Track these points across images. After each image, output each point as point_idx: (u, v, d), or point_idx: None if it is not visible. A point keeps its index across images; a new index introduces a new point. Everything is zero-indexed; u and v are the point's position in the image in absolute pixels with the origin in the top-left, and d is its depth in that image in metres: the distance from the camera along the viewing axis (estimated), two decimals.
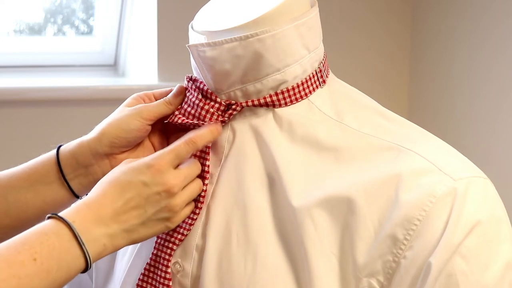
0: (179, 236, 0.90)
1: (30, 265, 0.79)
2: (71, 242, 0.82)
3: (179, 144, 0.89)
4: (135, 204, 0.86)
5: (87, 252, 0.83)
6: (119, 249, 0.87)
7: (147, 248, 0.94)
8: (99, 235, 0.84)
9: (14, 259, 0.79)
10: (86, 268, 0.84)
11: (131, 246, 0.97)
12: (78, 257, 0.83)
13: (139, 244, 0.95)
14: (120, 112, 0.96)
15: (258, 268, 0.86)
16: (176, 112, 0.94)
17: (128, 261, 0.96)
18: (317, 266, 0.84)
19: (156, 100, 0.98)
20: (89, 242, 0.83)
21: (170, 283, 0.90)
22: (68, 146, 0.96)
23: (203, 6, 0.96)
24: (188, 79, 0.94)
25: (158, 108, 0.94)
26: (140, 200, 0.86)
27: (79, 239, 0.82)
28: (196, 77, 0.94)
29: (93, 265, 1.02)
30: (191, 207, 0.90)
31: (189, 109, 0.93)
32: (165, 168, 0.87)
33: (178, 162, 0.89)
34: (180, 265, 0.91)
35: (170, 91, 0.98)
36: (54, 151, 0.96)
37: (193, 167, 0.90)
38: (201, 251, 0.90)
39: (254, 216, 0.88)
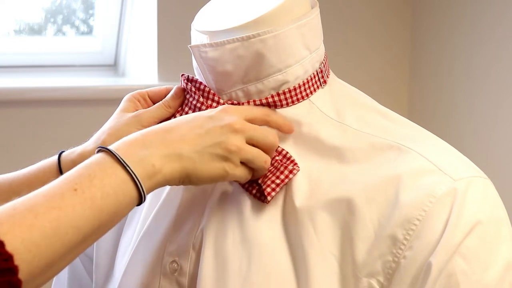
0: None
1: (71, 195, 0.76)
2: (113, 166, 0.78)
3: (257, 108, 0.88)
4: (194, 133, 0.83)
5: (133, 173, 0.78)
6: (175, 177, 0.82)
7: (144, 248, 0.94)
8: (146, 155, 0.80)
9: (53, 192, 0.76)
10: (140, 196, 0.79)
11: (130, 246, 0.97)
12: (125, 181, 0.78)
13: (137, 243, 0.95)
14: (118, 119, 0.95)
15: (253, 267, 0.86)
16: (178, 115, 0.94)
17: (127, 260, 0.96)
18: (315, 266, 0.84)
19: (151, 99, 0.98)
20: (135, 163, 0.79)
21: None
22: (69, 155, 0.95)
23: (203, 6, 0.96)
24: (185, 79, 0.94)
25: (157, 113, 0.94)
26: (201, 131, 0.83)
27: (120, 160, 0.78)
28: (193, 77, 0.93)
29: (94, 264, 1.03)
30: (249, 171, 0.86)
31: (190, 112, 0.93)
32: (234, 112, 0.85)
33: (250, 116, 0.87)
34: (177, 264, 0.91)
35: (165, 90, 0.97)
36: (55, 158, 0.96)
37: (267, 133, 0.87)
38: (198, 249, 0.90)
39: (253, 215, 0.88)
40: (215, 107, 0.91)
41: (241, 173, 0.86)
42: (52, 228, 0.73)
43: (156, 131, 0.83)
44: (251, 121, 0.87)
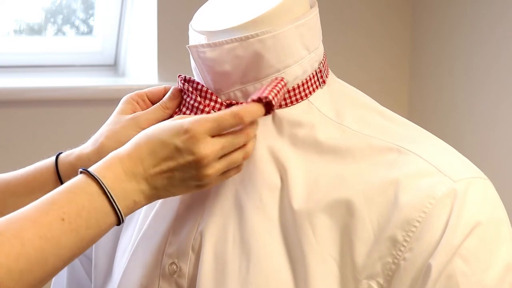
0: None
1: (58, 225, 0.79)
2: (100, 199, 0.82)
3: (224, 115, 0.85)
4: (165, 167, 0.84)
5: (118, 209, 0.82)
6: (152, 201, 0.86)
7: (143, 248, 0.94)
8: (130, 191, 0.83)
9: (42, 220, 0.78)
10: (119, 223, 0.84)
11: (129, 246, 0.97)
12: (108, 214, 0.82)
13: (136, 244, 0.95)
14: (116, 121, 0.94)
15: (252, 269, 0.86)
16: (175, 116, 0.94)
17: (126, 261, 0.96)
18: (314, 269, 0.84)
19: (150, 99, 0.97)
20: (120, 198, 0.82)
21: None
22: (67, 157, 0.95)
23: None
24: (181, 80, 0.94)
25: (155, 114, 0.94)
26: (171, 164, 0.84)
27: (109, 196, 0.82)
28: (190, 77, 0.93)
29: (93, 265, 1.03)
30: (232, 170, 0.88)
31: (188, 112, 0.93)
32: (201, 136, 0.84)
33: (218, 132, 0.85)
34: (177, 266, 0.91)
35: (163, 90, 0.97)
36: (53, 159, 0.95)
37: (237, 137, 0.86)
38: (198, 251, 0.90)
39: (251, 217, 0.88)
40: (213, 106, 0.91)
41: (220, 180, 0.88)
42: (36, 257, 0.77)
43: (133, 159, 0.84)
44: (222, 131, 0.85)
